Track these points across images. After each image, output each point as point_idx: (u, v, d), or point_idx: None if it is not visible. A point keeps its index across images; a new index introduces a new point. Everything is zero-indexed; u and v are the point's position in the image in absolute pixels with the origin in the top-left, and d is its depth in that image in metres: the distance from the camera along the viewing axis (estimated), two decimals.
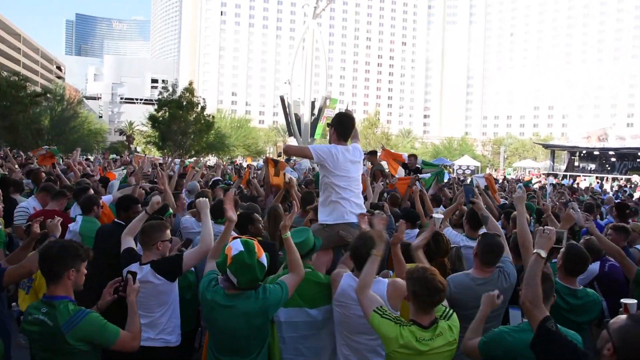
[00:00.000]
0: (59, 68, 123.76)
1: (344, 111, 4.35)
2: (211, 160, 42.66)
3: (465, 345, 2.92)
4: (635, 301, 3.06)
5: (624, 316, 2.23)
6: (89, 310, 2.74)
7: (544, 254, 2.78)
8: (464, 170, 45.52)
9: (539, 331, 2.48)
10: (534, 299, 2.60)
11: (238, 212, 4.23)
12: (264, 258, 2.95)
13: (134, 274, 3.15)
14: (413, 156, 10.79)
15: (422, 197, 6.62)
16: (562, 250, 3.64)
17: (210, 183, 8.89)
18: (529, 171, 55.88)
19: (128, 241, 3.82)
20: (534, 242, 3.17)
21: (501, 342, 2.76)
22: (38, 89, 46.05)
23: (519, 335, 2.73)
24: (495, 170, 64.06)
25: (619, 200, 11.04)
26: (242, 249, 2.87)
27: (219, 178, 9.55)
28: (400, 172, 10.01)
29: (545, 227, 2.98)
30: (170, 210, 5.23)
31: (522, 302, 2.65)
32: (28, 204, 6.23)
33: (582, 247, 3.80)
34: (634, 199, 14.78)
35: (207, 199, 3.90)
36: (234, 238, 3.06)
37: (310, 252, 3.43)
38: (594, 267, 4.62)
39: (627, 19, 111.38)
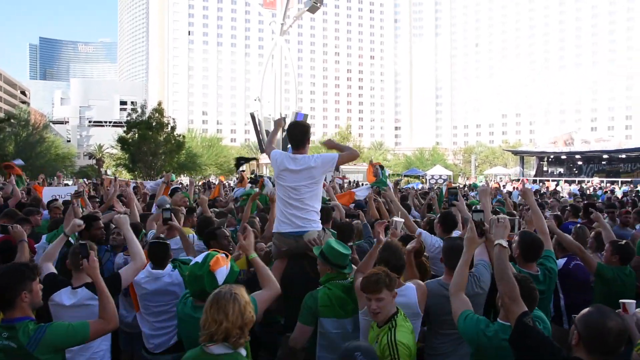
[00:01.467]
0: (23, 93, 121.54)
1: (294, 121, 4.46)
2: (183, 180, 42.18)
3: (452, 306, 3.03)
4: (634, 301, 3.05)
5: (587, 308, 2.31)
6: (49, 323, 2.73)
7: (504, 243, 2.80)
8: (436, 179, 45.96)
9: (516, 326, 2.49)
10: (512, 293, 2.59)
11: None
12: (220, 271, 2.91)
13: (83, 247, 3.11)
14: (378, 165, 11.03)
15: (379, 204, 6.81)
16: (516, 239, 3.82)
17: (169, 191, 8.74)
18: (500, 177, 56.90)
19: (48, 267, 3.67)
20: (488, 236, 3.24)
21: (472, 330, 2.82)
22: (1, 115, 44.96)
23: (488, 331, 2.77)
24: (467, 178, 64.98)
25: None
26: (199, 260, 2.93)
27: (178, 186, 9.38)
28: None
29: (499, 216, 3.02)
30: (143, 231, 5.16)
31: (501, 297, 2.65)
32: None
33: (534, 233, 3.96)
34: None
35: (126, 215, 3.93)
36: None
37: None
38: (559, 262, 4.70)
39: (585, 28, 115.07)
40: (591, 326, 2.19)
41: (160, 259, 3.90)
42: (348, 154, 4.11)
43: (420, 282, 3.38)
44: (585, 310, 2.29)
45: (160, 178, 31.18)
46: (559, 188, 29.63)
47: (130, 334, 4.58)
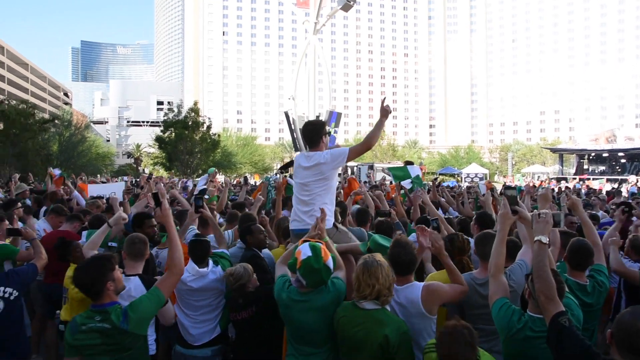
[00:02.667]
0: (66, 94, 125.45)
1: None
2: (219, 178, 42.76)
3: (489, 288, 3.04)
4: None
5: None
6: (127, 304, 2.97)
7: (545, 239, 2.73)
8: (472, 178, 45.29)
9: (551, 325, 2.46)
10: (548, 291, 2.56)
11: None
12: (330, 261, 3.14)
13: (155, 196, 3.33)
14: (408, 163, 11.06)
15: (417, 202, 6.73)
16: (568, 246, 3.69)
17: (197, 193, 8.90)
18: (538, 176, 55.62)
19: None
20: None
21: (504, 320, 2.83)
22: (46, 116, 46.58)
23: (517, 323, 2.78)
24: (504, 177, 63.77)
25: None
26: (310, 254, 3.07)
27: (205, 187, 9.51)
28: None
29: (540, 211, 2.92)
30: (177, 227, 5.26)
31: (537, 295, 2.61)
32: (38, 226, 6.28)
33: (584, 240, 3.75)
34: None
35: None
36: (303, 241, 3.24)
37: None
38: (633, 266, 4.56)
39: (628, 20, 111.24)
40: (622, 326, 2.12)
41: (202, 256, 3.94)
42: (360, 147, 4.05)
43: (435, 283, 3.32)
44: (623, 311, 2.23)
45: (197, 177, 31.77)
46: (622, 188, 28.02)
47: (165, 325, 4.71)
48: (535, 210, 2.98)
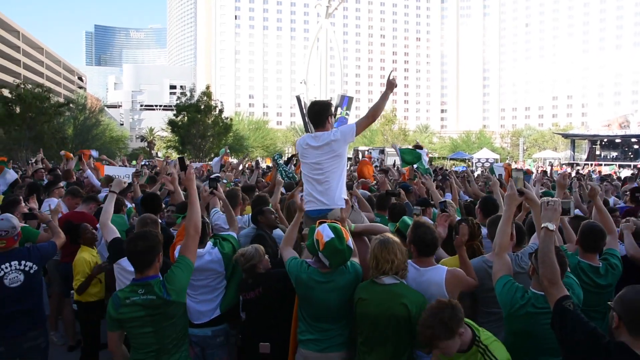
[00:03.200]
0: (80, 78, 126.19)
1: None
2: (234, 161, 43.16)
3: (493, 266, 3.12)
4: None
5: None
6: (164, 276, 3.09)
7: (552, 227, 2.73)
8: (482, 163, 45.24)
9: (555, 310, 2.48)
10: (552, 277, 2.58)
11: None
12: (350, 242, 3.21)
13: (181, 160, 3.48)
14: (417, 147, 11.25)
15: (426, 185, 6.83)
16: (579, 229, 3.69)
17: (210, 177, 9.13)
18: (549, 162, 55.33)
19: (112, 230, 3.97)
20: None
21: (508, 297, 2.89)
22: (61, 100, 47.09)
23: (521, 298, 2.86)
24: (515, 162, 63.49)
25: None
26: (332, 235, 3.10)
27: (219, 174, 9.68)
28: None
29: (549, 199, 2.93)
30: None
31: (541, 280, 2.63)
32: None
33: (596, 222, 3.79)
34: None
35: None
36: (320, 223, 3.25)
37: None
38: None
39: None
40: (629, 305, 2.09)
41: (200, 237, 3.77)
42: (366, 120, 4.02)
43: (459, 270, 3.31)
44: (621, 292, 2.21)
45: (210, 161, 32.17)
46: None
47: None
48: (544, 197, 3.01)
